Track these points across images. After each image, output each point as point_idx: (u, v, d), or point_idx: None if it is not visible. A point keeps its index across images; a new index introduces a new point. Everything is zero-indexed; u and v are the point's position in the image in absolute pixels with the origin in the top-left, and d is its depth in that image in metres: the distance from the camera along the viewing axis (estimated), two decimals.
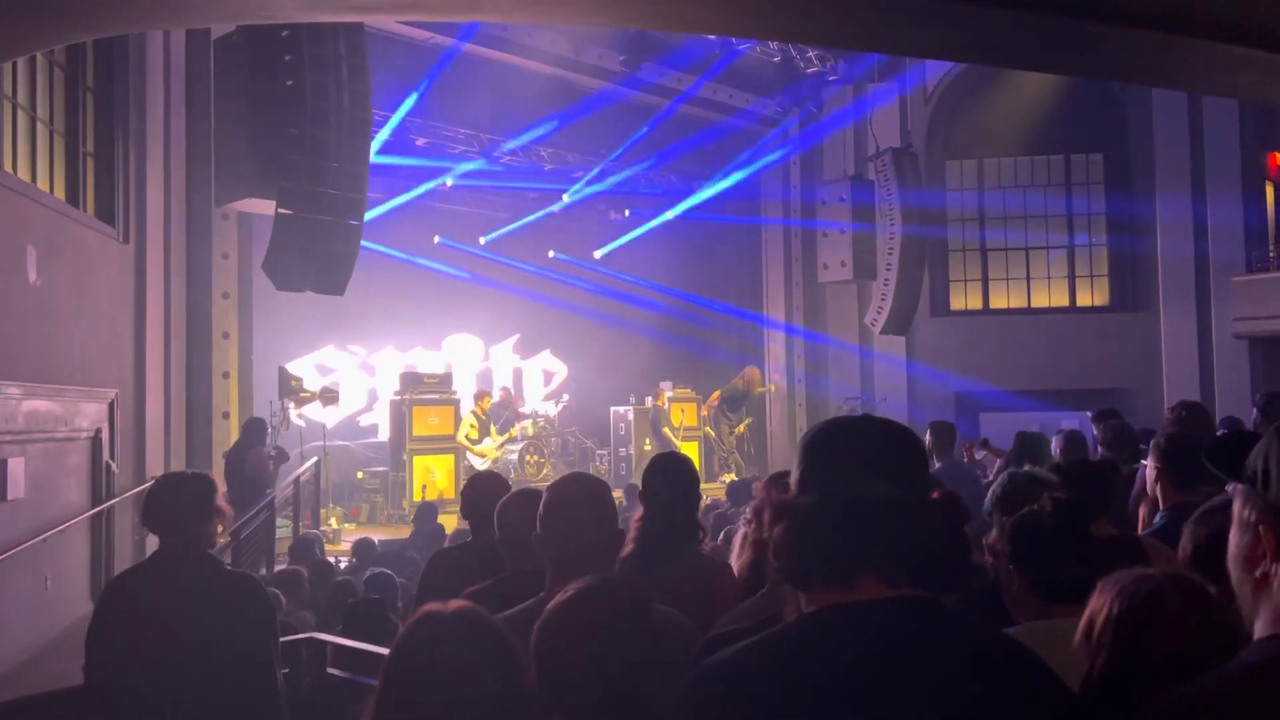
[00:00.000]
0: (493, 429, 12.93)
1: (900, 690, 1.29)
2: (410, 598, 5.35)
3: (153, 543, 3.31)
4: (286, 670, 3.54)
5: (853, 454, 1.42)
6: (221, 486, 3.32)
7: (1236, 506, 1.28)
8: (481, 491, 3.57)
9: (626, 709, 1.70)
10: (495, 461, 12.70)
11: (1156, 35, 4.34)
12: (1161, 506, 3.69)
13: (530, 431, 13.95)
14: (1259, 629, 1.23)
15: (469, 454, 12.70)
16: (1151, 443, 3.95)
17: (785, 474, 1.74)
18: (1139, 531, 3.86)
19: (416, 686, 1.74)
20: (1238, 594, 1.28)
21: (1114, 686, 1.72)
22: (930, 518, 1.46)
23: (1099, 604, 1.82)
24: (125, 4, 4.72)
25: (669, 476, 3.13)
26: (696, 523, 3.20)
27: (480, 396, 13.19)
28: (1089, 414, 6.42)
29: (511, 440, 13.22)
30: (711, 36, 13.92)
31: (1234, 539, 1.28)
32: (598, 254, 16.94)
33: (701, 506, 8.21)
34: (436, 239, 15.17)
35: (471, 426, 12.70)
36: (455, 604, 1.86)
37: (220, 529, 3.30)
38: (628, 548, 2.82)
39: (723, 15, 5.75)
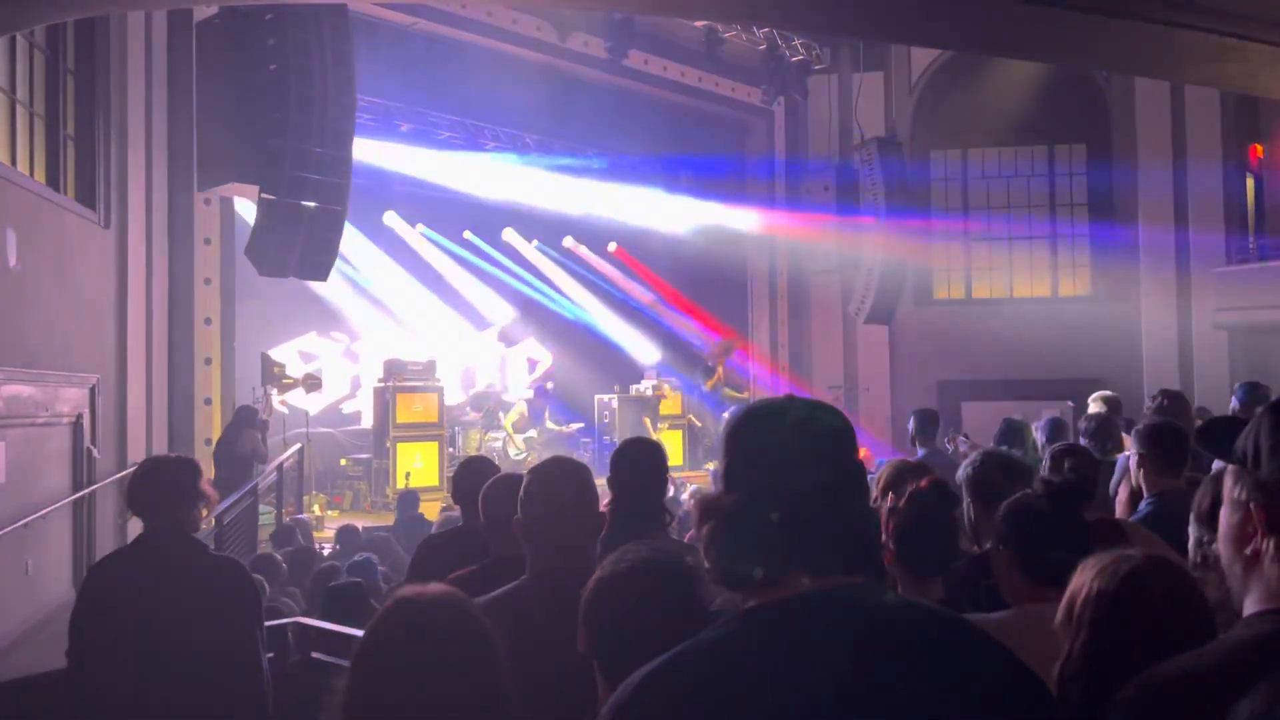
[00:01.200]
0: (547, 418, 13.34)
1: (840, 684, 1.23)
2: (393, 585, 5.35)
3: (136, 527, 3.29)
4: (271, 655, 3.54)
5: (775, 444, 1.35)
6: (210, 471, 3.31)
7: (1227, 486, 1.30)
8: (473, 476, 3.54)
9: None
10: (526, 454, 12.82)
11: (1138, 24, 4.36)
12: (1145, 493, 3.72)
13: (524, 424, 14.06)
14: (1249, 605, 1.25)
15: (508, 442, 12.92)
16: (1135, 430, 3.98)
17: None
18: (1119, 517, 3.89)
19: (391, 668, 1.72)
20: (1228, 572, 1.30)
21: (1092, 665, 1.74)
22: (861, 503, 1.40)
23: (1079, 583, 1.84)
24: None
25: (635, 462, 3.14)
26: (663, 507, 3.22)
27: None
28: (1095, 398, 6.43)
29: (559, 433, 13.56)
30: (694, 22, 13.91)
31: (1224, 518, 1.30)
32: (584, 250, 16.93)
33: (687, 493, 8.25)
34: (420, 227, 15.13)
35: (521, 415, 12.96)
36: (434, 587, 1.85)
37: (205, 513, 3.29)
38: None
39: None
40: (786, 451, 1.34)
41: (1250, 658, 1.19)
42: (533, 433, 13.07)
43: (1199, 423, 5.42)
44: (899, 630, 1.30)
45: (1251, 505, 1.24)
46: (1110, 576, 1.80)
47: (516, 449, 12.82)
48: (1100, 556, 1.89)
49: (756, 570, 1.31)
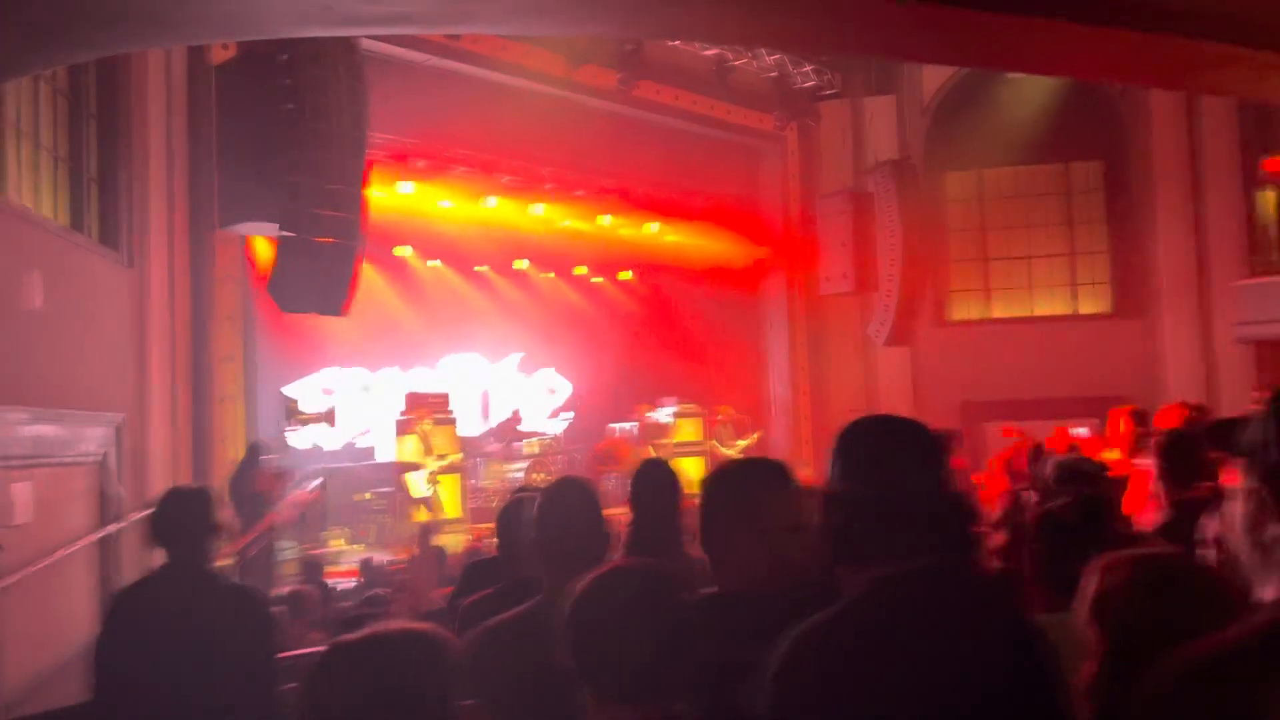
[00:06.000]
0: (430, 455, 12.31)
1: (956, 640, 1.60)
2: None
3: (160, 559, 3.32)
4: (293, 685, 3.53)
5: (895, 451, 1.71)
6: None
7: (1240, 478, 1.32)
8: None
9: (658, 685, 1.72)
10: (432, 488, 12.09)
11: (1136, 35, 4.37)
12: (1165, 503, 3.70)
13: (535, 449, 14.05)
14: (1269, 593, 1.26)
15: (416, 479, 12.13)
16: (1152, 441, 3.97)
17: None
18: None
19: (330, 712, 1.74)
20: (1246, 564, 1.31)
21: (1113, 661, 1.75)
22: (957, 497, 1.78)
23: (1093, 582, 1.85)
24: (108, 24, 4.77)
25: (652, 482, 3.17)
26: (680, 526, 3.26)
27: (419, 418, 12.44)
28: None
29: (446, 464, 12.53)
30: (703, 51, 14.03)
31: (1239, 509, 1.32)
32: (599, 279, 17.03)
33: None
34: (437, 262, 15.25)
35: (415, 448, 12.16)
36: (371, 629, 1.83)
37: (223, 544, 3.31)
38: (617, 551, 2.84)
39: (711, 21, 5.79)
40: (900, 458, 1.70)
41: (1272, 641, 1.20)
42: (429, 464, 12.19)
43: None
44: (989, 605, 1.74)
45: (1264, 493, 1.27)
46: (1119, 570, 1.82)
47: (425, 486, 11.98)
48: (1116, 554, 1.91)
49: (890, 548, 1.65)
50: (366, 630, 1.81)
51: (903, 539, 1.65)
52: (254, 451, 9.74)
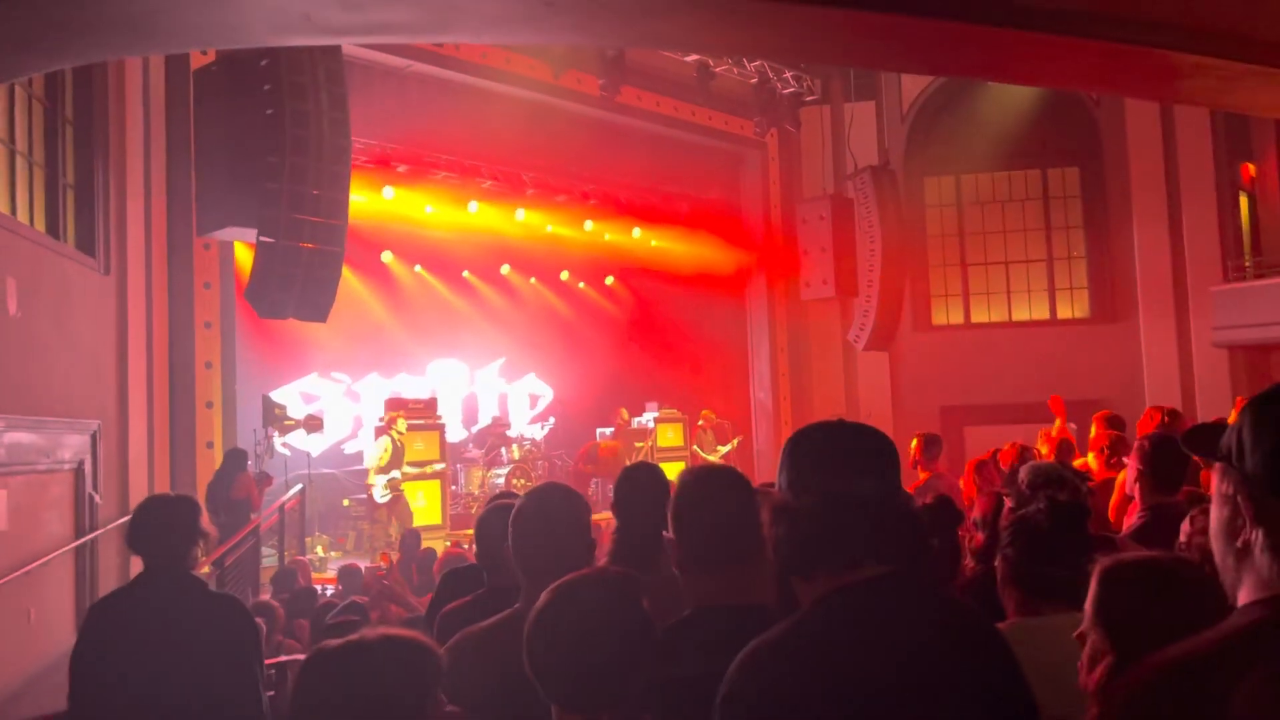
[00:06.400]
0: (398, 461, 11.92)
1: (910, 651, 1.53)
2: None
3: (137, 566, 3.30)
4: (272, 694, 3.53)
5: (841, 457, 1.63)
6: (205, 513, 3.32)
7: (1215, 482, 1.34)
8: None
9: (616, 695, 1.71)
10: (389, 494, 11.77)
11: (1108, 46, 4.41)
12: (1140, 507, 3.73)
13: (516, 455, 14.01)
14: (1242, 596, 1.28)
15: (376, 484, 11.81)
16: (1135, 444, 4.00)
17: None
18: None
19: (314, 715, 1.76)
20: (1220, 567, 1.33)
21: (1121, 665, 1.77)
22: (906, 505, 1.68)
23: (1093, 590, 1.87)
24: (85, 33, 4.74)
25: (640, 488, 3.13)
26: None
27: (391, 421, 12.11)
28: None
29: (416, 471, 12.19)
30: (685, 57, 14.06)
31: (1215, 514, 1.34)
32: (582, 285, 17.03)
33: None
34: (418, 267, 15.23)
35: (385, 450, 11.89)
36: (353, 637, 1.84)
37: (203, 553, 3.30)
38: (602, 560, 2.83)
39: (692, 31, 5.81)
40: (846, 464, 1.63)
41: (1245, 643, 1.22)
42: (396, 473, 11.82)
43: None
44: (944, 613, 1.64)
45: (1239, 499, 1.28)
46: (1124, 574, 1.84)
47: (381, 491, 11.73)
48: (1112, 558, 1.92)
49: (834, 558, 1.59)
50: (348, 637, 1.82)
51: (850, 548, 1.58)
52: (234, 458, 9.68)
